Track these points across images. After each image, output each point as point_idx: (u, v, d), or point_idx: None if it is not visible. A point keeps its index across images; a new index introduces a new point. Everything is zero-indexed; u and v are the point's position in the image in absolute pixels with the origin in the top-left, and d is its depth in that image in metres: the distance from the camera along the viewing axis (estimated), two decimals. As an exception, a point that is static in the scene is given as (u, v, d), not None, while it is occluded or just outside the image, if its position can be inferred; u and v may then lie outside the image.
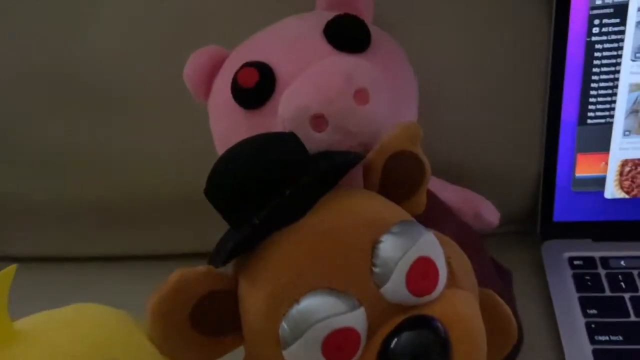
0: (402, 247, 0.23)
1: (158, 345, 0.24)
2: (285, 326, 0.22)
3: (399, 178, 0.27)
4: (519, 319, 0.37)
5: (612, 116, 0.37)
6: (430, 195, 0.34)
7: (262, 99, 0.29)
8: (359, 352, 0.22)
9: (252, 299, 0.24)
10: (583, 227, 0.41)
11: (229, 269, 0.26)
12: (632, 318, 0.36)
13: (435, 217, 0.32)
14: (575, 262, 0.41)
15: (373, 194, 0.27)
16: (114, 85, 0.42)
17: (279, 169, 0.24)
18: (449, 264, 0.25)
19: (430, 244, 0.23)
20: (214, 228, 0.26)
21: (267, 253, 0.24)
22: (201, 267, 0.24)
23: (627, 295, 0.38)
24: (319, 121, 0.27)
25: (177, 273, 0.23)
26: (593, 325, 0.36)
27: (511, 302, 0.37)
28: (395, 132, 0.27)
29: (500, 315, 0.29)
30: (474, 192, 0.38)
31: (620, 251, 0.41)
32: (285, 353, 0.22)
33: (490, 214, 0.38)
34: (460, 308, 0.23)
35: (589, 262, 0.40)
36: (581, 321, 0.37)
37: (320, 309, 0.22)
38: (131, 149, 0.43)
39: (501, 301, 0.29)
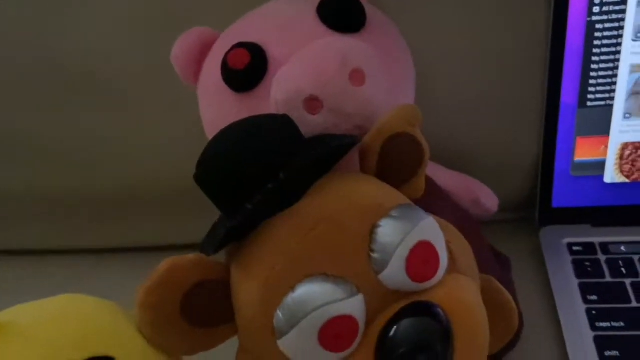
0: (401, 232, 0.22)
1: (148, 337, 0.23)
2: (281, 315, 0.21)
3: (397, 161, 0.26)
4: (519, 306, 0.37)
5: (612, 98, 0.37)
6: (428, 181, 0.33)
7: (254, 81, 0.28)
8: (357, 340, 0.21)
9: (246, 288, 0.23)
10: (582, 212, 0.41)
11: (221, 257, 0.25)
12: (634, 304, 0.36)
13: (433, 202, 0.32)
14: (575, 248, 0.40)
15: (370, 178, 0.26)
16: (102, 75, 0.40)
17: (272, 152, 0.23)
18: (449, 249, 0.24)
19: (430, 228, 0.23)
20: (209, 219, 0.25)
21: (260, 240, 0.23)
22: (192, 256, 0.23)
23: (627, 281, 0.37)
24: (313, 103, 0.26)
25: (167, 262, 0.22)
26: (594, 312, 0.36)
27: (511, 289, 0.37)
28: (393, 114, 0.26)
29: (502, 303, 0.28)
30: (472, 178, 0.38)
31: (620, 236, 0.40)
32: (280, 343, 0.21)
33: (489, 200, 0.37)
34: (462, 294, 0.22)
35: (589, 248, 0.40)
36: (581, 308, 0.36)
37: (317, 297, 0.21)
38: (121, 139, 0.42)
39: (502, 288, 0.28)
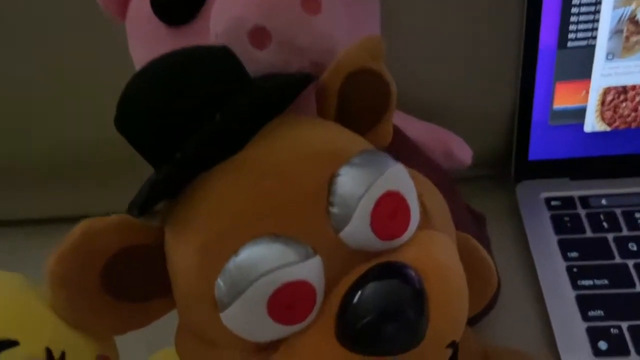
0: (364, 181, 0.18)
1: (62, 315, 0.19)
2: (222, 284, 0.18)
3: (359, 102, 0.22)
4: (496, 265, 0.34)
5: (594, 37, 0.33)
6: (397, 132, 0.30)
7: (190, 11, 0.24)
8: (315, 310, 0.18)
9: (181, 254, 0.19)
10: (560, 165, 0.38)
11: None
12: (617, 260, 0.33)
13: (402, 154, 0.28)
14: (553, 203, 0.37)
15: (328, 122, 0.22)
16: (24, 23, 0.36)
17: (207, 89, 0.19)
18: (421, 202, 0.21)
19: (399, 177, 0.19)
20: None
21: (196, 197, 0.19)
22: (113, 217, 0.19)
23: (610, 236, 0.35)
24: (259, 35, 0.22)
25: (83, 224, 0.18)
26: (575, 270, 0.33)
27: (487, 248, 0.34)
28: (354, 47, 0.22)
29: (480, 262, 0.25)
30: (444, 129, 0.34)
31: (601, 189, 0.37)
32: (223, 316, 0.18)
33: (462, 152, 0.34)
34: (436, 253, 0.19)
35: (568, 202, 0.37)
36: (562, 265, 0.34)
37: (264, 261, 0.17)
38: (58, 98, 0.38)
39: (480, 246, 0.25)
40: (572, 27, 0.33)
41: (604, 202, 0.37)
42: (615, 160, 0.37)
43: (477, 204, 0.38)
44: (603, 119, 0.36)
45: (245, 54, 0.22)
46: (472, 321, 0.30)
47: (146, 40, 0.25)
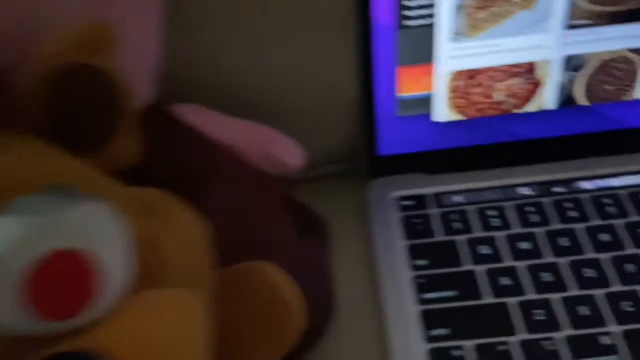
0: (19, 238, 0.13)
1: None
2: None
3: (77, 111, 0.17)
4: (332, 285, 0.30)
5: (434, 15, 0.29)
6: (198, 140, 0.24)
7: None
8: None
9: None
10: (415, 160, 0.34)
11: None
12: (465, 267, 0.30)
13: (201, 171, 0.23)
14: (405, 203, 0.33)
15: (25, 142, 0.16)
16: None
17: None
18: (153, 252, 0.15)
19: (82, 227, 0.14)
20: None
21: None
22: None
23: (462, 238, 0.31)
24: None
25: None
26: (422, 281, 0.29)
27: (320, 267, 0.29)
28: (65, 34, 0.16)
29: (277, 299, 0.20)
30: (268, 129, 0.29)
31: (460, 184, 0.34)
32: None
33: (289, 155, 0.29)
34: (141, 330, 0.14)
35: (422, 201, 0.33)
36: (408, 276, 0.30)
37: None
38: None
39: (281, 282, 0.21)
40: (408, 3, 0.29)
41: (461, 199, 0.33)
42: (472, 152, 0.34)
43: (327, 206, 0.34)
44: (456, 107, 0.32)
45: None
46: (305, 346, 0.26)
47: None
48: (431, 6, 0.29)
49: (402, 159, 0.34)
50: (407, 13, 0.29)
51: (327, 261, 0.29)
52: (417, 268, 0.30)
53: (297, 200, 0.32)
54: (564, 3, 0.29)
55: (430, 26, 0.29)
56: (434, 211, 0.33)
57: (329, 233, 0.32)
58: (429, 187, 0.34)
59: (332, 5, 0.30)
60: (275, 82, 0.32)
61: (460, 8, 0.29)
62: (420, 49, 0.30)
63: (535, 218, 0.31)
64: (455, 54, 0.30)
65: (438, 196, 0.33)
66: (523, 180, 0.33)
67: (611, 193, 0.32)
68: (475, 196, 0.33)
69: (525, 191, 0.33)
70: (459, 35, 0.30)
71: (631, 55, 0.31)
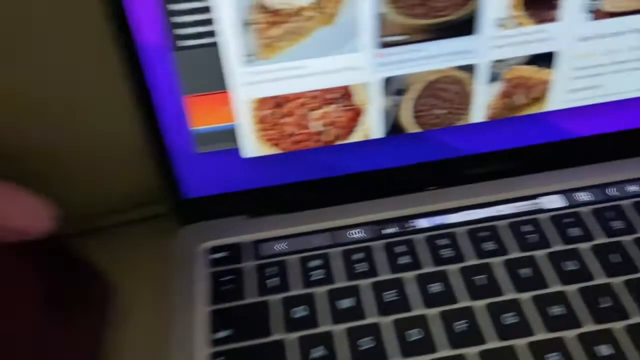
0: None
1: None
2: None
3: None
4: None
5: (215, 33, 0.24)
6: None
7: None
8: None
9: None
10: (230, 201, 0.29)
11: None
12: (278, 335, 0.24)
13: None
14: (216, 256, 0.28)
15: None
16: None
17: None
18: None
19: None
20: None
21: None
22: None
23: (277, 298, 0.26)
24: None
25: None
26: (222, 359, 0.24)
27: (80, 357, 0.24)
28: None
29: None
30: (8, 187, 0.23)
31: (283, 228, 0.29)
32: None
33: (23, 217, 0.22)
34: None
35: (236, 252, 0.28)
36: (203, 357, 0.24)
37: None
38: None
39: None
40: (179, 19, 0.23)
41: (283, 246, 0.28)
42: (294, 190, 0.29)
43: (128, 257, 0.28)
44: (267, 140, 0.27)
45: None
46: None
47: None
48: (209, 22, 0.23)
49: (215, 201, 0.29)
50: (180, 31, 0.23)
51: (94, 343, 0.24)
52: (217, 343, 0.25)
53: (75, 260, 0.26)
54: (370, 17, 0.24)
55: (213, 46, 0.24)
56: (248, 264, 0.27)
57: (112, 299, 0.26)
58: (247, 234, 0.28)
59: (86, 30, 0.24)
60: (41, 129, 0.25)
61: (246, 24, 0.24)
62: (207, 73, 0.25)
63: (361, 267, 0.27)
64: (251, 79, 0.25)
65: (257, 244, 0.28)
66: (352, 220, 0.29)
67: (448, 232, 0.28)
68: (300, 242, 0.28)
69: (355, 233, 0.28)
70: (251, 56, 0.24)
71: (459, 74, 0.26)
